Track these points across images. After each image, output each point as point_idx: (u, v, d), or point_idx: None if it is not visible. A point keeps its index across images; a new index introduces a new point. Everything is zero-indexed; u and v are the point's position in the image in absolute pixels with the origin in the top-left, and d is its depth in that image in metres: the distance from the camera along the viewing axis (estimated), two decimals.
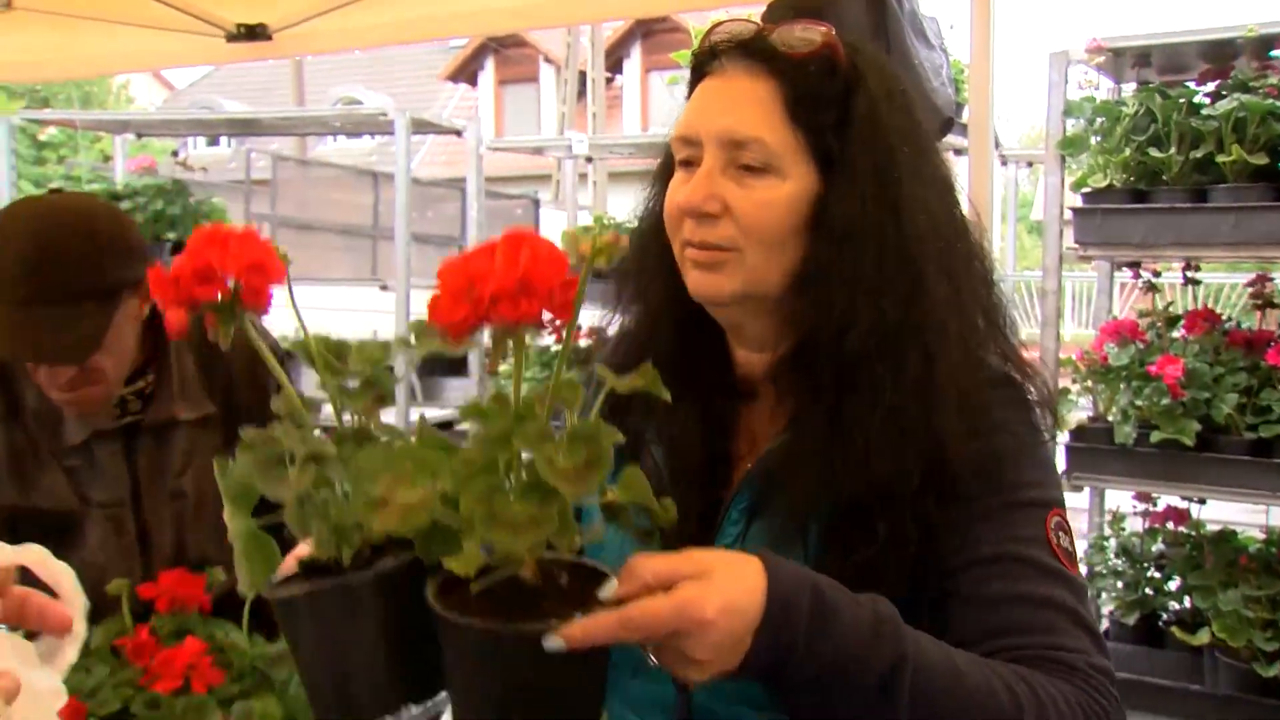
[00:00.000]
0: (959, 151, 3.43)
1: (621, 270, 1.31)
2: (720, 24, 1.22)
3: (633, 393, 1.23)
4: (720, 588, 0.89)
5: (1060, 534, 1.14)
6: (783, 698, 0.98)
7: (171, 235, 4.27)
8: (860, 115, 1.16)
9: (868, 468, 1.10)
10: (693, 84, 1.24)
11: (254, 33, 3.04)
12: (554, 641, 0.80)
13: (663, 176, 1.27)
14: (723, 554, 0.94)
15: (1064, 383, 3.25)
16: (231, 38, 3.04)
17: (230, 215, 4.98)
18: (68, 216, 1.78)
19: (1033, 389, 1.22)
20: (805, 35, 1.17)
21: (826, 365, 1.14)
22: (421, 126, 3.97)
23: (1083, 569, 1.28)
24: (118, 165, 4.91)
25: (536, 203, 9.56)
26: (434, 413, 5.46)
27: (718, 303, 1.21)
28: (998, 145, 6.15)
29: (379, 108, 3.94)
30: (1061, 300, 3.27)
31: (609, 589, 0.86)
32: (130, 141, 4.95)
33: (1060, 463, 3.77)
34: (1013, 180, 7.30)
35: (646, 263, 1.28)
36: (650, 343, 1.27)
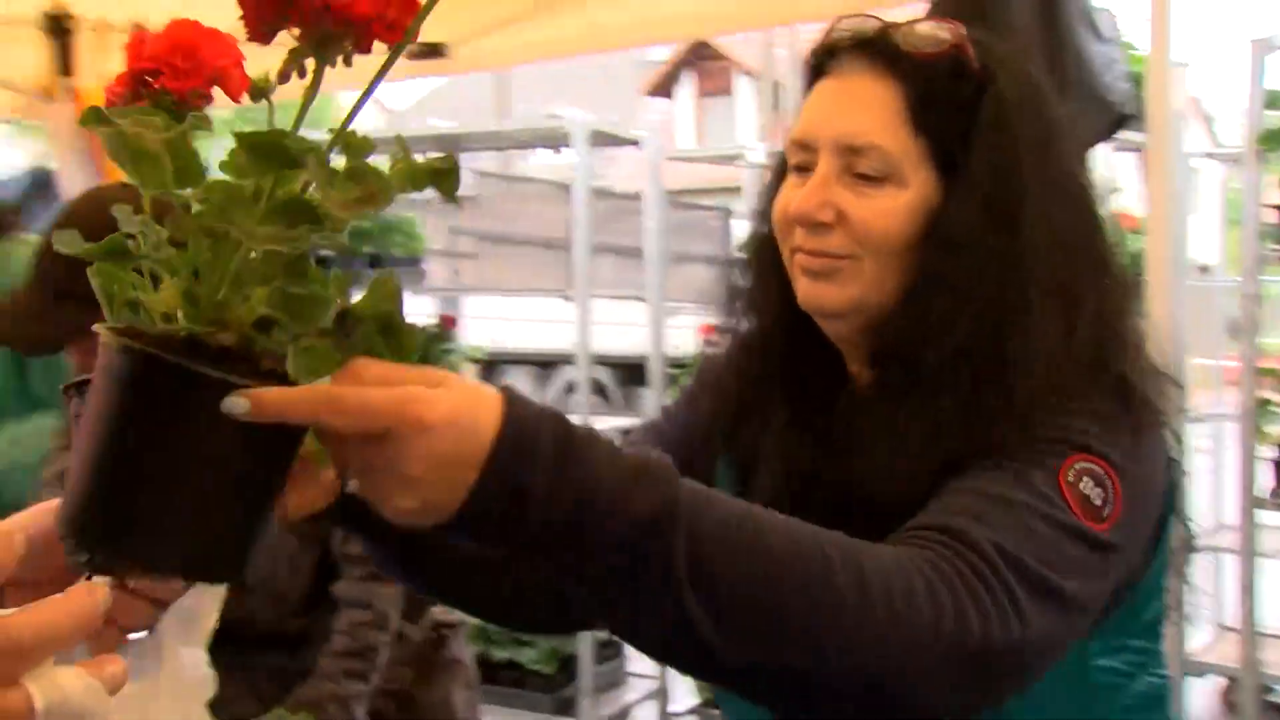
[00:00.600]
0: (1140, 149, 3.27)
1: (735, 277, 1.26)
2: (841, 19, 1.15)
3: (748, 406, 1.20)
4: (451, 396, 0.74)
5: (1084, 478, 0.99)
6: (525, 559, 0.84)
7: (366, 249, 4.51)
8: (986, 121, 1.08)
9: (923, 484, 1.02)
10: (810, 83, 1.17)
11: (433, 50, 3.17)
12: (238, 403, 0.65)
13: (776, 181, 1.19)
14: (466, 377, 0.79)
15: (1266, 394, 3.07)
16: (412, 56, 3.17)
17: (425, 228, 5.20)
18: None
19: (1150, 403, 1.09)
20: (932, 34, 1.10)
21: (910, 380, 1.07)
22: (600, 138, 4.03)
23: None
24: None
25: (728, 214, 9.59)
26: (628, 421, 5.54)
27: (827, 313, 1.15)
28: (1214, 143, 5.81)
29: (558, 120, 4.03)
30: (1262, 307, 3.07)
31: (322, 382, 0.72)
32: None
33: (1269, 479, 3.55)
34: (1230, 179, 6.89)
35: (760, 270, 1.22)
36: (764, 356, 1.21)
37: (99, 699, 0.60)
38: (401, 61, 2.55)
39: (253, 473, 0.70)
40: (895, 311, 1.10)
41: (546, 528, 0.77)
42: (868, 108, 1.09)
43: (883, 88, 1.09)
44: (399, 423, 0.71)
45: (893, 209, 1.08)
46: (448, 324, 4.38)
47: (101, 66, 3.37)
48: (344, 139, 0.70)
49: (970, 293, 1.06)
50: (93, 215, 1.79)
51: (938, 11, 2.08)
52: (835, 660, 0.84)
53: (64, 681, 0.59)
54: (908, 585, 0.87)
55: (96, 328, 0.67)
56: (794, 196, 1.12)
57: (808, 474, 1.14)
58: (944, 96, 1.09)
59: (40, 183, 3.81)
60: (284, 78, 0.70)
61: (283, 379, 0.70)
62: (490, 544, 0.81)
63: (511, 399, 0.77)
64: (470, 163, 10.08)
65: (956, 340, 1.05)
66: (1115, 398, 1.06)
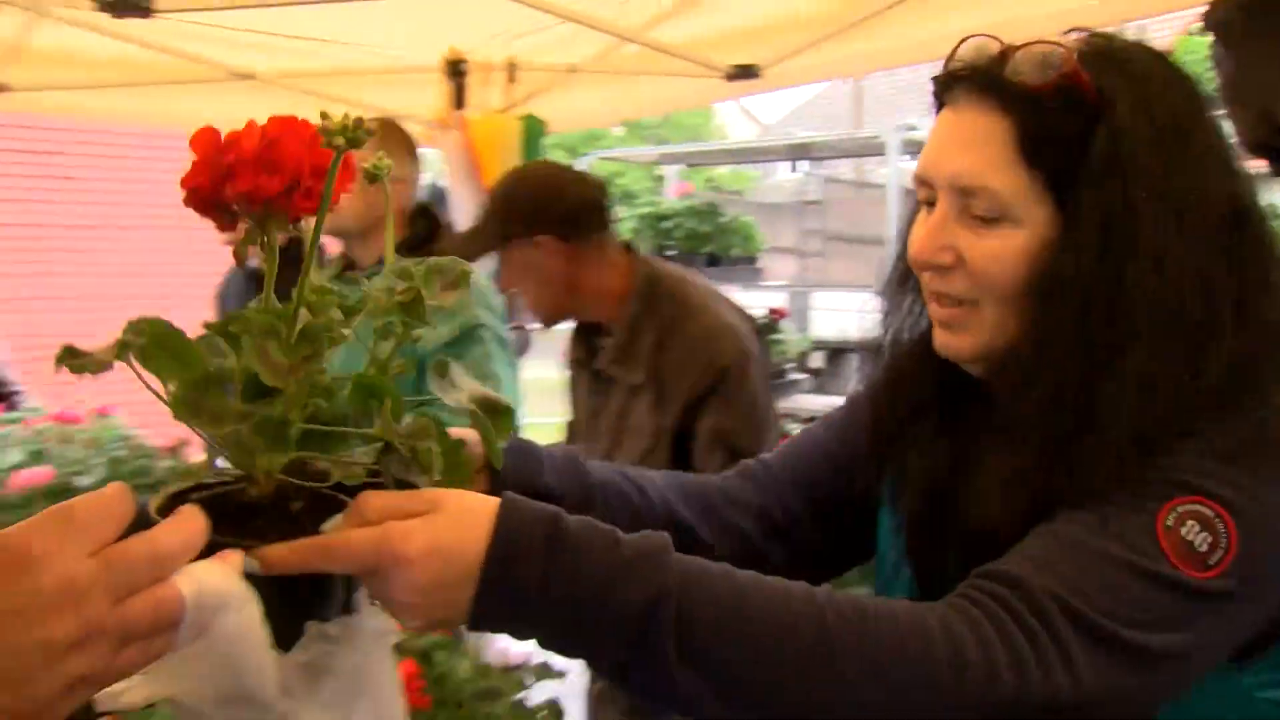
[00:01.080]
0: None
1: (888, 291, 1.23)
2: (966, 41, 1.08)
3: (901, 426, 1.18)
4: (432, 527, 0.82)
5: (1187, 522, 0.92)
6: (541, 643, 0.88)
7: (706, 249, 5.02)
8: (1096, 154, 1.00)
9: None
10: (938, 108, 1.11)
11: (747, 72, 3.61)
12: (250, 563, 0.76)
13: (915, 212, 1.14)
14: (463, 494, 0.86)
15: None
16: (729, 77, 3.64)
17: (762, 231, 5.67)
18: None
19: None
20: (1040, 62, 1.02)
21: (1009, 418, 1.04)
22: (910, 146, 4.36)
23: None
24: (669, 190, 5.78)
25: None
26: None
27: (959, 361, 1.12)
28: None
29: (873, 131, 4.39)
30: None
31: (333, 522, 0.83)
32: (682, 170, 5.82)
33: None
34: None
35: (911, 292, 1.19)
36: (915, 378, 1.19)
37: (231, 581, 0.72)
38: (719, 83, 3.10)
39: (311, 596, 0.83)
40: (1010, 353, 1.06)
41: (550, 625, 0.84)
42: (979, 145, 1.03)
43: (993, 122, 1.03)
44: (379, 562, 0.81)
45: (1006, 251, 1.04)
46: (777, 316, 4.79)
47: (482, 100, 4.06)
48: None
49: (1068, 335, 1.01)
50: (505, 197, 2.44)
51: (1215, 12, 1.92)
52: None
53: (201, 574, 0.70)
54: (923, 644, 0.84)
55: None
56: (916, 237, 1.09)
57: (942, 495, 1.11)
58: (1056, 129, 1.02)
59: (438, 196, 4.52)
60: (239, 259, 0.82)
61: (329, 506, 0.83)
62: (517, 638, 0.87)
63: (505, 510, 0.85)
64: (821, 170, 10.55)
65: (1052, 382, 1.01)
66: (1243, 436, 0.97)
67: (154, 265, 8.95)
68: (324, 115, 0.74)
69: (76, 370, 0.75)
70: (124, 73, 3.88)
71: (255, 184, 0.72)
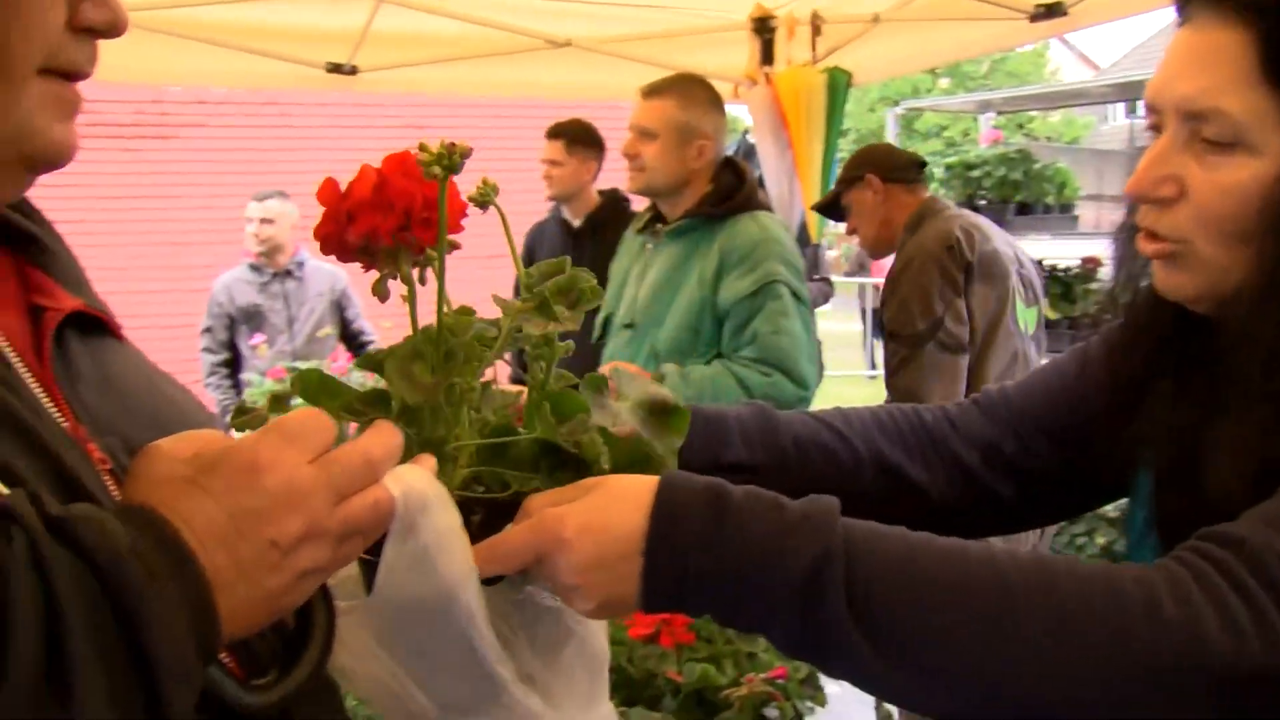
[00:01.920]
0: None
1: (1121, 236, 1.14)
2: None
3: (1141, 382, 1.09)
4: (586, 506, 0.83)
5: None
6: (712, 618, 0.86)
7: (1017, 197, 4.89)
8: None
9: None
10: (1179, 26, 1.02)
11: (1052, 10, 3.49)
12: None
13: None
14: (623, 476, 0.86)
15: None
16: (1034, 18, 3.54)
17: (1090, 179, 5.45)
18: None
19: None
20: None
21: (1240, 377, 0.95)
22: None
23: None
24: (982, 139, 5.65)
25: None
26: None
27: (1182, 301, 1.03)
28: None
29: None
30: None
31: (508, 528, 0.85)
32: (993, 119, 5.67)
33: None
34: None
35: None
36: (1152, 328, 1.10)
37: (431, 483, 0.76)
38: (1024, 24, 3.10)
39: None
40: (1235, 297, 0.98)
41: (719, 591, 0.82)
42: (1214, 63, 0.95)
43: (1232, 36, 0.94)
44: (539, 549, 0.82)
45: (1238, 183, 0.95)
46: (1091, 265, 4.62)
47: (789, 55, 4.14)
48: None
49: None
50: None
51: None
52: (1026, 690, 0.78)
53: (406, 475, 0.74)
54: (1115, 601, 0.78)
55: None
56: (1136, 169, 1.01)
57: (1187, 456, 1.01)
58: None
59: (746, 151, 4.64)
60: (382, 296, 0.82)
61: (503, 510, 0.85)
62: (690, 615, 0.88)
63: (664, 485, 0.84)
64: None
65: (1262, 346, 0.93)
66: None
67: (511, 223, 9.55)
68: (421, 147, 0.78)
69: (240, 428, 0.82)
70: (456, 48, 4.22)
71: (373, 224, 0.76)
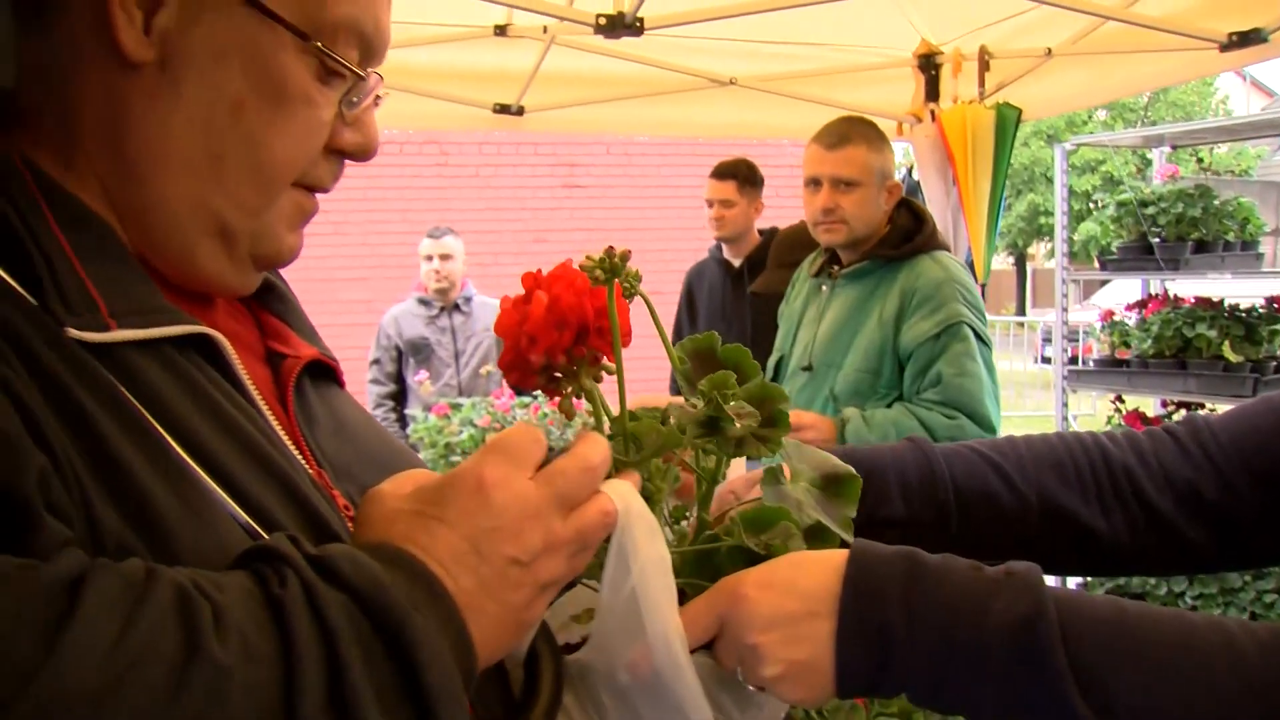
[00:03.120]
0: None
1: None
2: None
3: None
4: (768, 567, 0.82)
5: None
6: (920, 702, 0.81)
7: (1194, 235, 4.67)
8: None
9: None
10: None
11: (1249, 38, 3.32)
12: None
13: None
14: (803, 551, 0.85)
15: None
16: (1225, 47, 3.38)
17: (1268, 214, 5.18)
18: None
19: None
20: None
21: None
22: None
23: None
24: (1157, 174, 5.44)
25: None
26: None
27: None
28: None
29: None
30: None
31: None
32: (1168, 152, 5.45)
33: None
34: None
35: None
36: None
37: (639, 498, 0.76)
38: (1213, 54, 2.96)
39: None
40: None
41: (924, 651, 0.78)
42: None
43: None
44: (719, 609, 0.81)
45: None
46: (1278, 304, 4.38)
47: (955, 91, 4.06)
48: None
49: None
50: None
51: None
52: None
53: (620, 489, 0.75)
54: None
55: None
56: None
57: None
58: None
59: (910, 189, 4.56)
60: (569, 414, 0.83)
61: None
62: (886, 689, 0.80)
63: (858, 547, 0.83)
64: None
65: None
66: None
67: (668, 262, 9.66)
68: (587, 257, 0.80)
69: None
70: (620, 88, 4.26)
71: (551, 343, 0.78)
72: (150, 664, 0.51)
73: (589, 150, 9.70)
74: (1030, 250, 27.83)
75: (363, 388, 4.87)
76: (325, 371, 0.89)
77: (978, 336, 2.68)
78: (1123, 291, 7.79)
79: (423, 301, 4.94)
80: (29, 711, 0.47)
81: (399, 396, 4.86)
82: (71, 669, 0.49)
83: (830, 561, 0.81)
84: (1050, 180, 22.60)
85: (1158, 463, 1.15)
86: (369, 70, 0.79)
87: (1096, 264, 4.87)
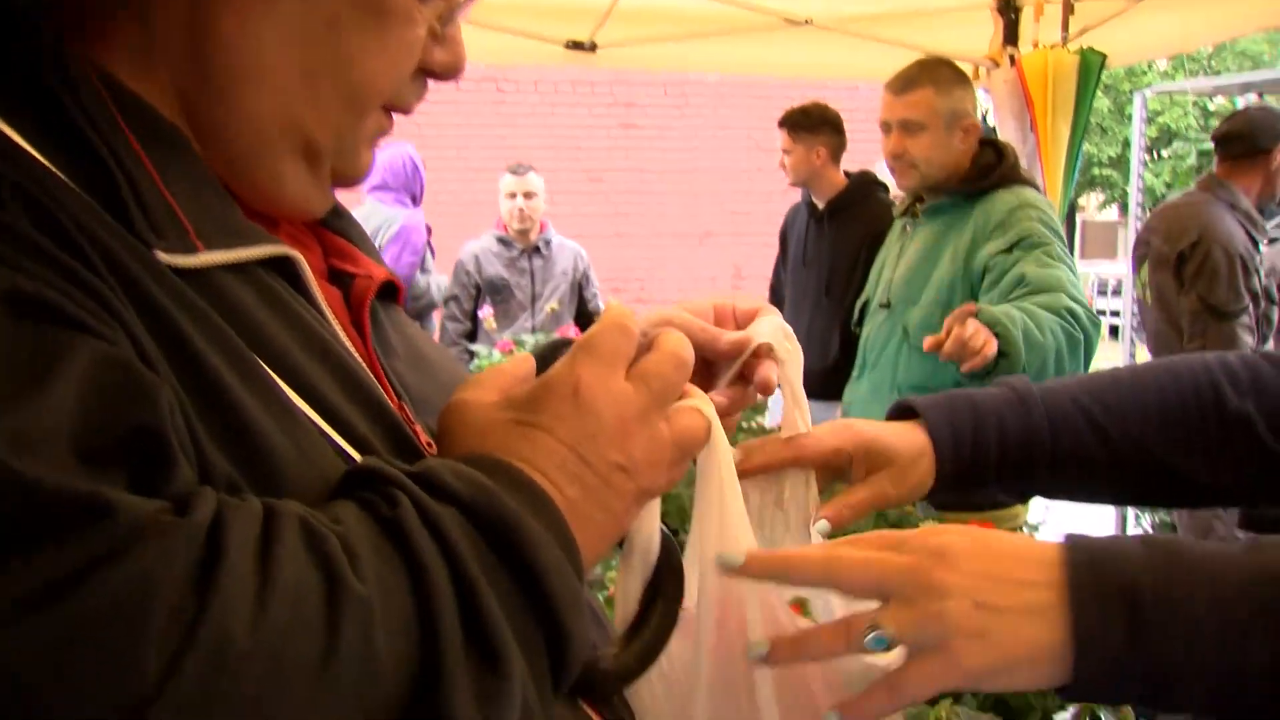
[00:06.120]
0: None
1: None
2: None
3: None
4: (962, 528, 0.77)
5: None
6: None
7: None
8: None
9: None
10: None
11: None
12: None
13: None
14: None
15: None
16: None
17: None
18: None
19: None
20: None
21: None
22: None
23: None
24: None
25: None
26: None
27: None
28: None
29: None
30: None
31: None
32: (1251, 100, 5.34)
33: None
34: None
35: None
36: None
37: (712, 407, 0.71)
38: None
39: None
40: None
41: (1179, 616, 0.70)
42: None
43: None
44: (895, 571, 0.74)
45: None
46: None
47: (1035, 35, 3.98)
48: None
49: None
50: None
51: None
52: None
53: (702, 404, 0.70)
54: None
55: None
56: None
57: None
58: None
59: (985, 134, 4.47)
60: None
61: None
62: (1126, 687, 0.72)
63: (1072, 543, 0.75)
64: None
65: None
66: None
67: (724, 203, 9.57)
68: None
69: None
70: (694, 25, 4.21)
71: None
72: (302, 604, 0.48)
73: (647, 91, 9.63)
74: (1081, 202, 27.45)
75: None
76: (391, 295, 0.82)
77: (1060, 241, 2.59)
78: None
79: (502, 241, 4.82)
80: (202, 661, 0.45)
81: (473, 336, 4.78)
82: (232, 615, 0.46)
83: (1036, 543, 0.75)
84: (1104, 130, 22.19)
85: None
86: None
87: None
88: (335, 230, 0.81)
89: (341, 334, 0.71)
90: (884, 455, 0.98)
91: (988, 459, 1.05)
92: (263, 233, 0.68)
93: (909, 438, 1.01)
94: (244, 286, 0.64)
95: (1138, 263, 4.04)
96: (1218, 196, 3.79)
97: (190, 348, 0.57)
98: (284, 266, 0.68)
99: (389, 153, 4.68)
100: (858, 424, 1.00)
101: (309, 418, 0.62)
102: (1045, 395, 1.08)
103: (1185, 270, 3.68)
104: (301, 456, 0.60)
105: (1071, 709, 1.40)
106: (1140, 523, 4.57)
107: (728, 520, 0.74)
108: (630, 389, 0.65)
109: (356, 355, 0.70)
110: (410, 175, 4.75)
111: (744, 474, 0.84)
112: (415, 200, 4.81)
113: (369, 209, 4.60)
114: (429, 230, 4.82)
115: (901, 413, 1.06)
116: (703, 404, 0.70)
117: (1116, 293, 10.50)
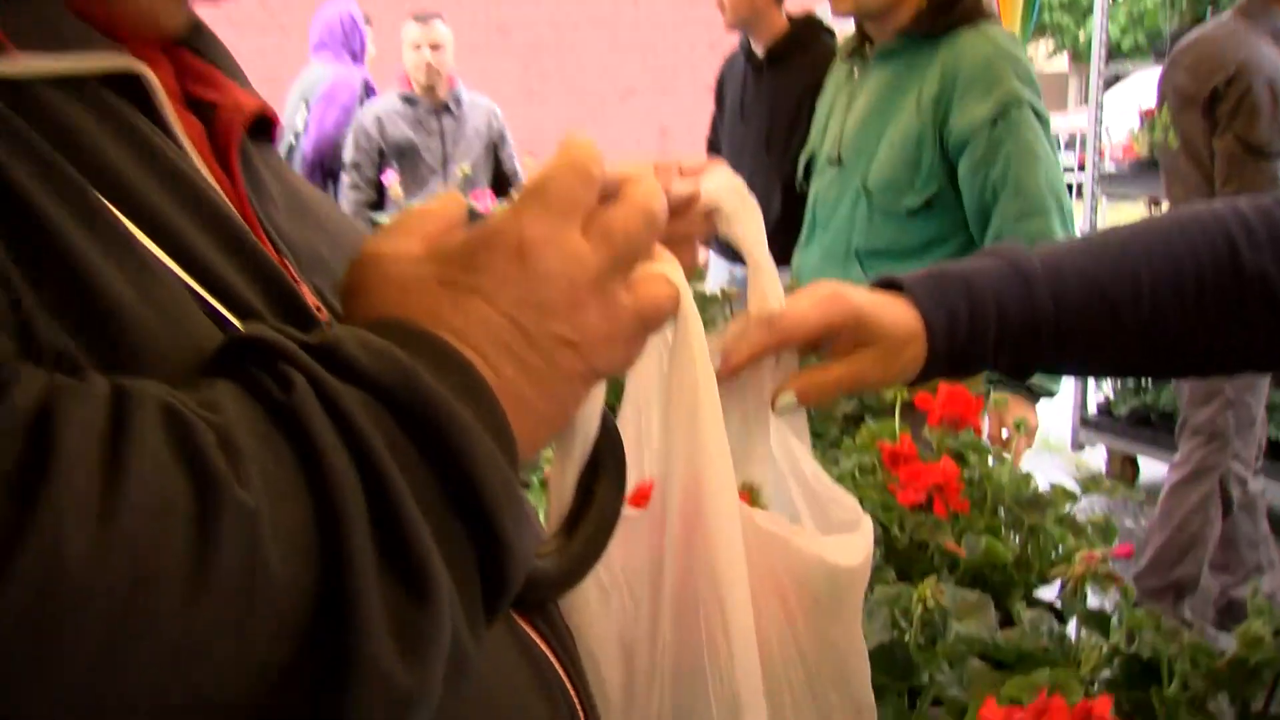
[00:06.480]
0: None
1: None
2: None
3: None
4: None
5: None
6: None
7: None
8: None
9: None
10: None
11: None
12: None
13: None
14: None
15: None
16: None
17: None
18: None
19: None
20: None
21: None
22: None
23: None
24: None
25: None
26: None
27: None
28: None
29: None
30: None
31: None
32: None
33: None
34: None
35: None
36: None
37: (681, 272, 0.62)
38: None
39: None
40: None
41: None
42: None
43: None
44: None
45: None
46: None
47: None
48: None
49: None
50: None
51: None
52: None
53: (670, 270, 0.61)
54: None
55: None
56: None
57: None
58: None
59: None
60: None
61: None
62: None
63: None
64: None
65: None
66: None
67: (648, 57, 9.24)
68: None
69: None
70: None
71: None
72: (162, 518, 0.39)
73: None
74: (1029, 51, 27.04)
75: None
76: (266, 132, 0.69)
77: (1037, 114, 2.34)
78: (1134, 93, 7.37)
79: (407, 99, 4.46)
80: (24, 597, 0.36)
81: (378, 206, 4.45)
82: (65, 535, 0.37)
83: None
84: None
85: None
86: None
87: (1152, 56, 4.49)
88: (194, 49, 0.67)
89: (207, 173, 0.59)
90: (872, 333, 0.93)
91: (985, 343, 1.00)
92: (100, 39, 0.56)
93: (901, 318, 0.95)
94: (79, 108, 0.53)
95: (1160, 101, 3.70)
96: (1258, 23, 3.43)
97: (3, 179, 0.46)
98: (130, 87, 0.57)
99: (328, 10, 4.56)
100: (846, 292, 0.93)
101: (172, 272, 0.52)
102: (1046, 268, 1.02)
103: (1219, 109, 3.35)
104: (163, 322, 0.49)
105: (1057, 582, 1.34)
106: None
107: (701, 405, 0.68)
108: (588, 248, 0.54)
109: (225, 199, 0.59)
110: (348, 32, 4.62)
111: (728, 379, 0.82)
112: (356, 57, 4.64)
113: (308, 71, 4.58)
114: (370, 89, 4.66)
115: (884, 288, 1.00)
116: (671, 269, 0.60)
117: (1070, 147, 10.25)
